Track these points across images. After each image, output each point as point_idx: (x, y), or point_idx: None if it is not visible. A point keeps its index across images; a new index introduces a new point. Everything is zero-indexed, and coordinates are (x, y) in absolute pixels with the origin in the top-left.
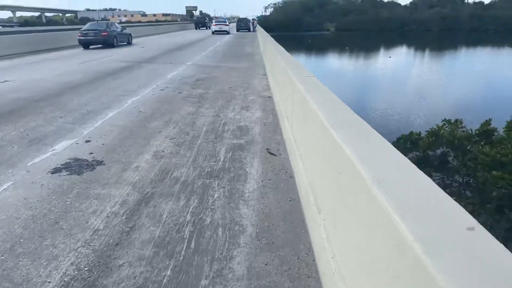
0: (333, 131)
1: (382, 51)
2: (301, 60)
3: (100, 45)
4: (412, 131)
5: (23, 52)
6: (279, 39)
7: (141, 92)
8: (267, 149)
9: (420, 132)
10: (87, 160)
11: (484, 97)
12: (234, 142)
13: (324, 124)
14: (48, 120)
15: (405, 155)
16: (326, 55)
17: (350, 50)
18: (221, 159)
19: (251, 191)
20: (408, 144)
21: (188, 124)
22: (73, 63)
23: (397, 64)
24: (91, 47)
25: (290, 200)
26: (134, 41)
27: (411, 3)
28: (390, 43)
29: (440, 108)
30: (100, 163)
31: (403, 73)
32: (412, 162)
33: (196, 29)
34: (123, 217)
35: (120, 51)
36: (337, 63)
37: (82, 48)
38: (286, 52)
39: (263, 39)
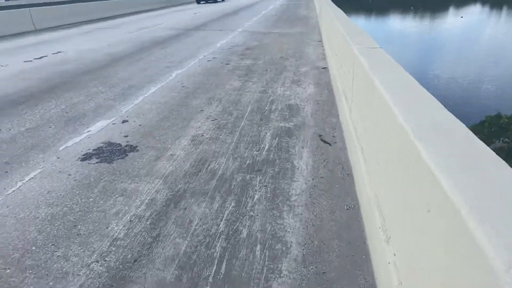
0: (418, 142)
1: (451, 11)
2: (360, 23)
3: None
4: (500, 113)
5: (79, 21)
6: (336, 1)
7: (187, 64)
8: (320, 135)
9: None
10: (120, 145)
11: None
12: (281, 125)
13: (400, 125)
14: (90, 96)
15: (491, 142)
16: (388, 17)
17: (415, 10)
18: (266, 148)
19: (298, 193)
20: (494, 128)
21: (233, 102)
22: (123, 32)
23: (470, 25)
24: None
25: (347, 209)
26: (186, 7)
27: None
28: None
29: None
30: (133, 148)
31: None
32: (502, 152)
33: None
34: (148, 222)
35: (170, 17)
36: (402, 26)
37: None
38: (345, 16)
39: (319, 0)
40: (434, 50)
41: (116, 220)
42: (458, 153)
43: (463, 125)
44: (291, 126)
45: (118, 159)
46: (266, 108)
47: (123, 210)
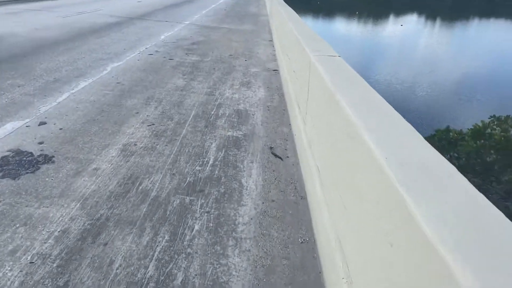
0: (404, 191)
1: (392, 18)
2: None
3: None
4: (449, 128)
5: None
6: (286, 1)
7: (126, 57)
8: (271, 148)
9: (461, 130)
10: (32, 154)
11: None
12: (229, 134)
13: (379, 167)
14: (2, 90)
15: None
16: (334, 20)
17: (360, 15)
18: (210, 162)
19: (246, 222)
20: (443, 142)
21: (174, 104)
22: (56, 15)
23: (409, 33)
24: None
25: (302, 242)
26: None
27: None
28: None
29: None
30: (48, 159)
31: (418, 43)
32: None
33: None
34: (55, 265)
35: (112, 3)
36: (347, 30)
37: None
38: (299, 17)
39: (271, 1)
40: (378, 56)
41: (11, 262)
42: (463, 219)
43: (453, 167)
44: (240, 136)
45: (27, 173)
46: (213, 113)
47: (23, 247)
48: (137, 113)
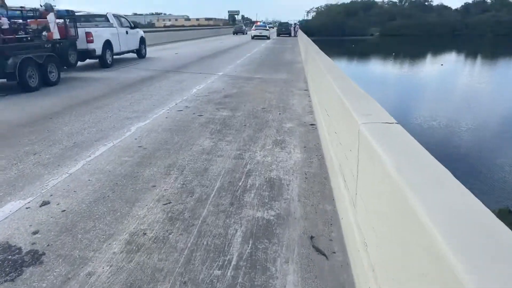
0: None
1: (433, 58)
2: (342, 67)
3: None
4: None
5: None
6: (320, 44)
7: (153, 114)
8: (312, 238)
9: None
10: (20, 251)
11: None
12: (258, 215)
13: None
14: (17, 159)
15: None
16: (368, 62)
17: (396, 57)
18: (233, 262)
19: None
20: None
21: (198, 173)
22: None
23: (451, 72)
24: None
25: None
26: (171, 46)
27: (462, 6)
28: (440, 49)
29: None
30: (37, 259)
31: (460, 83)
32: None
33: (234, 34)
34: None
35: (151, 58)
36: (382, 71)
37: None
38: (338, 68)
39: (305, 46)
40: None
41: None
42: None
43: None
44: (272, 218)
45: (5, 281)
46: (240, 184)
47: None
48: (154, 186)
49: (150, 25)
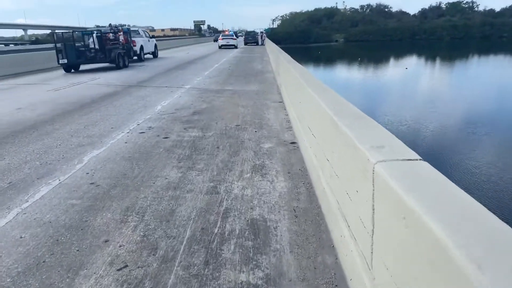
0: None
1: (397, 62)
2: (312, 73)
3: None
4: None
5: (13, 73)
6: (287, 51)
7: (111, 139)
8: None
9: None
10: None
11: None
12: (242, 279)
13: None
14: None
15: None
16: (335, 68)
17: (362, 61)
18: None
19: None
20: None
21: (162, 218)
22: (49, 89)
23: (417, 75)
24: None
25: None
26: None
27: (419, 12)
28: (403, 53)
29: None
30: None
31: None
32: None
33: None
34: None
35: (113, 71)
36: (351, 75)
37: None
38: (316, 80)
39: (275, 54)
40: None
41: None
42: None
43: None
44: (260, 283)
45: None
46: (216, 231)
47: None
48: (107, 241)
49: None
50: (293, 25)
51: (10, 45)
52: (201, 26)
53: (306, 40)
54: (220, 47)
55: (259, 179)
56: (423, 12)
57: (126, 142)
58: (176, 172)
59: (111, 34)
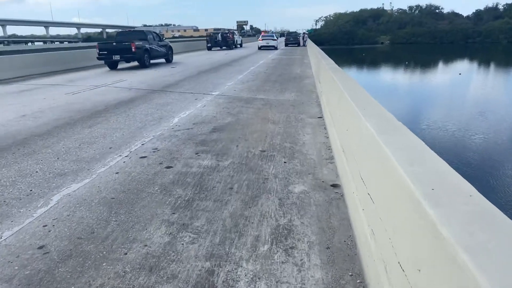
0: None
1: (449, 67)
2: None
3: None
4: None
5: (37, 73)
6: (329, 53)
7: (101, 167)
8: None
9: None
10: None
11: None
12: None
13: None
14: None
15: None
16: (380, 71)
17: (410, 65)
18: None
19: None
20: None
21: None
22: (66, 92)
23: (472, 82)
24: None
25: None
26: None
27: (473, 13)
28: (455, 57)
29: None
30: None
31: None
32: None
33: (208, 50)
34: None
35: (142, 72)
36: (397, 80)
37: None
38: (371, 98)
39: (316, 59)
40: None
41: None
42: None
43: None
44: None
45: None
46: None
47: None
48: None
49: None
50: (336, 26)
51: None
52: (244, 26)
53: (350, 41)
54: (259, 48)
55: (281, 260)
56: (478, 14)
57: (117, 173)
58: (163, 233)
59: None
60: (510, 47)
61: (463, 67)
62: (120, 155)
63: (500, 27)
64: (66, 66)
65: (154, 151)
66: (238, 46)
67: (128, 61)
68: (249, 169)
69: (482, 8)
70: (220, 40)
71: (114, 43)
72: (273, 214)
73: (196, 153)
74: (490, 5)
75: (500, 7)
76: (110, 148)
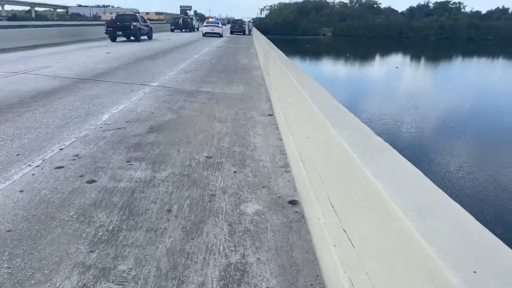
0: None
1: (387, 60)
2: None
3: None
4: None
5: None
6: (274, 42)
7: (0, 182)
8: None
9: None
10: None
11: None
12: None
13: None
14: None
15: None
16: (324, 62)
17: (351, 57)
18: None
19: None
20: None
21: None
22: None
23: (408, 76)
24: None
25: None
26: (108, 42)
27: (407, 10)
28: (391, 50)
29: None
30: None
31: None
32: None
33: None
34: None
35: (73, 57)
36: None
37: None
38: (339, 105)
39: (264, 49)
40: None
41: None
42: None
43: None
44: None
45: None
46: None
47: None
48: None
49: (96, 18)
50: (281, 16)
51: None
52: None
53: (293, 31)
54: (204, 35)
55: None
56: (411, 10)
57: (21, 191)
58: (74, 286)
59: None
60: (439, 42)
61: (399, 60)
62: (30, 165)
63: (430, 24)
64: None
65: (74, 159)
66: (196, 30)
67: (127, 37)
68: (192, 182)
69: (415, 5)
70: (181, 23)
71: (118, 23)
72: (221, 247)
73: (128, 161)
74: (422, 2)
75: (431, 5)
76: (18, 155)
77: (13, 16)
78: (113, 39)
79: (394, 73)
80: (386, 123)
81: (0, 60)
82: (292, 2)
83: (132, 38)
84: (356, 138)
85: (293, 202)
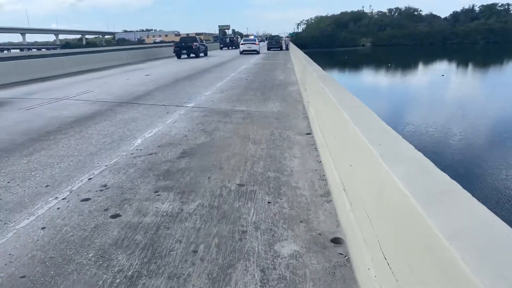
0: None
1: (431, 68)
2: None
3: None
4: None
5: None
6: (312, 56)
7: (25, 218)
8: None
9: None
10: None
11: None
12: None
13: None
14: None
15: None
16: (364, 73)
17: (393, 67)
18: None
19: None
20: None
21: None
22: (22, 107)
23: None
24: None
25: None
26: (150, 64)
27: (451, 15)
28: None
29: None
30: None
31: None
32: None
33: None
34: None
35: (112, 81)
36: (382, 82)
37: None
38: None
39: (301, 64)
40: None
41: None
42: None
43: None
44: None
45: None
46: None
47: None
48: None
49: (140, 41)
50: (318, 29)
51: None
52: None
53: (331, 44)
54: (241, 53)
55: None
56: (455, 15)
57: (44, 228)
58: None
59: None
60: (487, 47)
61: (444, 67)
62: (56, 197)
63: (476, 28)
64: (37, 75)
65: (101, 190)
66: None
67: (189, 55)
68: (221, 215)
69: (459, 10)
70: (229, 42)
71: (183, 43)
72: None
73: (156, 192)
74: (467, 6)
75: (476, 8)
76: (47, 186)
77: (67, 44)
78: (179, 57)
79: (440, 81)
80: (438, 140)
81: (47, 88)
82: (329, 15)
83: (192, 55)
84: (413, 176)
85: (336, 241)
